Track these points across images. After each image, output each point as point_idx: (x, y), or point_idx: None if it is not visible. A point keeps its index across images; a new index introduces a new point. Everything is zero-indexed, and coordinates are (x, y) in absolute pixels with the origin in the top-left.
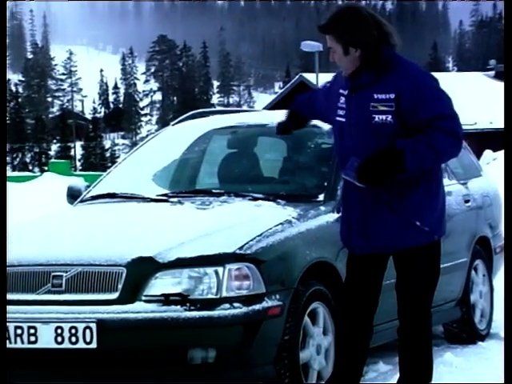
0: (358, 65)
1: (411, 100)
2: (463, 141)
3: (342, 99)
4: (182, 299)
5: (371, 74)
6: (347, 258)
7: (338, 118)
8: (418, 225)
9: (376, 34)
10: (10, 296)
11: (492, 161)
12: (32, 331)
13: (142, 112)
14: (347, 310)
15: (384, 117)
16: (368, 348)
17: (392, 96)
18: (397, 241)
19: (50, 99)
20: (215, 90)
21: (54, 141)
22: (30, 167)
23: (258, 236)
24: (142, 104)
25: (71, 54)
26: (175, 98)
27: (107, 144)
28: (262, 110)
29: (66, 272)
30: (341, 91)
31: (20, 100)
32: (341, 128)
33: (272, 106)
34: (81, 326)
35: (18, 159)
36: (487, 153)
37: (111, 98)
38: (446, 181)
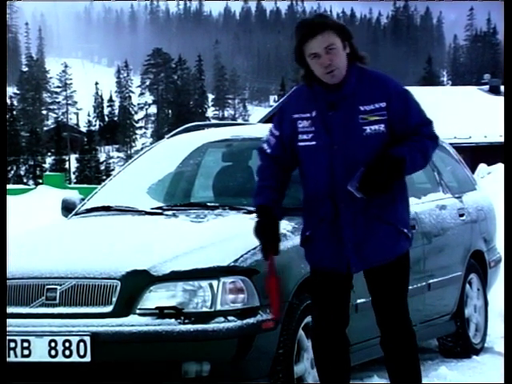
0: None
1: (399, 108)
2: (458, 154)
3: (304, 123)
4: (176, 312)
5: (352, 83)
6: (314, 279)
7: (301, 144)
8: (406, 232)
9: None
10: None
11: (486, 175)
12: (25, 345)
13: (137, 125)
14: (321, 329)
15: (377, 127)
16: (349, 362)
17: (383, 105)
18: (393, 251)
19: (44, 112)
20: (210, 103)
21: (49, 153)
22: (25, 180)
23: (253, 249)
24: (136, 117)
25: (66, 66)
26: (170, 111)
27: (102, 157)
28: (256, 124)
29: (60, 285)
30: (300, 116)
31: (15, 113)
32: (309, 151)
33: (267, 119)
34: (75, 340)
35: (12, 172)
36: (482, 167)
37: (106, 110)
38: (440, 194)
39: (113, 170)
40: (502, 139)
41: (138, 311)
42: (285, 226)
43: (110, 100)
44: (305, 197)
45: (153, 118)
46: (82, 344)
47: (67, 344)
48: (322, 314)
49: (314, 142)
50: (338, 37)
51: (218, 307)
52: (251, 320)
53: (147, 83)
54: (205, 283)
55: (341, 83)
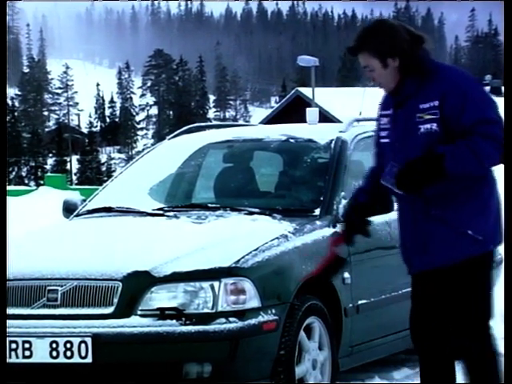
0: (399, 76)
1: (455, 105)
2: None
3: (384, 120)
4: (177, 313)
5: (414, 82)
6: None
7: (381, 141)
8: (471, 234)
9: (409, 38)
10: None
11: None
12: (27, 346)
13: (138, 126)
14: (411, 328)
15: (429, 126)
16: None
17: (436, 103)
18: (451, 254)
19: (46, 113)
20: (211, 105)
21: (50, 155)
22: (26, 181)
23: (254, 250)
24: (138, 118)
25: (67, 68)
26: (171, 112)
27: (103, 158)
28: (258, 125)
29: (62, 286)
30: (382, 113)
31: (16, 114)
32: (384, 148)
33: (268, 121)
34: (76, 341)
35: (13, 173)
36: None
37: (107, 112)
38: None
39: (114, 171)
40: None
41: (139, 312)
42: (286, 227)
43: (112, 101)
44: None
45: (154, 119)
46: (83, 345)
47: (68, 345)
48: (411, 311)
49: (387, 140)
50: (374, 57)
51: (220, 308)
52: (252, 321)
53: (148, 84)
54: (206, 284)
55: (398, 87)
